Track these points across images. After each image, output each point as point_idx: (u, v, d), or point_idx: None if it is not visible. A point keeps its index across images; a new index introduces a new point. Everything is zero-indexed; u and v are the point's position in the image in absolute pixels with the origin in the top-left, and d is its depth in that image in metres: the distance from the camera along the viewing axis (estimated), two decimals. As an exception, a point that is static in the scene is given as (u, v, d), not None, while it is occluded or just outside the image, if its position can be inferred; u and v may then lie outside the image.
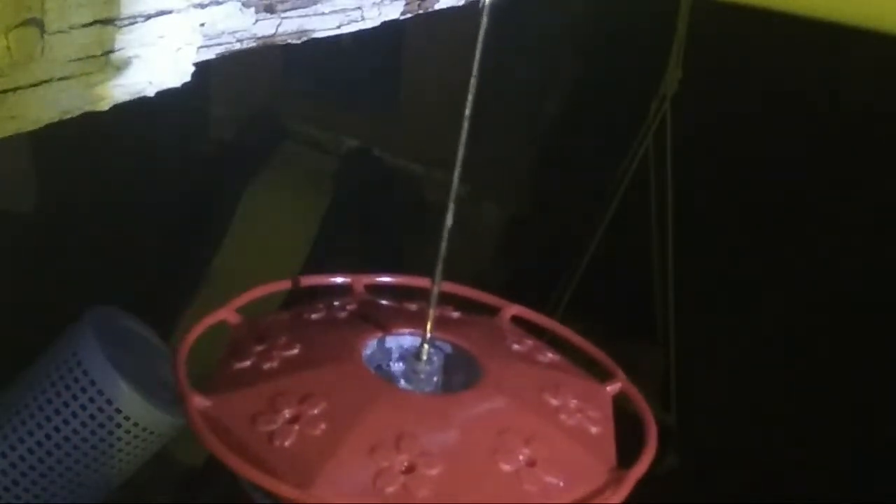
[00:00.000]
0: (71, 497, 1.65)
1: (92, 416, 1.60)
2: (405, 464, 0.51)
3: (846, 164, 2.23)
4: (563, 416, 0.59)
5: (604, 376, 0.67)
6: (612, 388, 0.66)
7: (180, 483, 2.09)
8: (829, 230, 2.27)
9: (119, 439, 1.62)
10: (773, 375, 2.34)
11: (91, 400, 1.59)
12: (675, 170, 2.21)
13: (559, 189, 2.64)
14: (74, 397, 1.59)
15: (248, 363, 0.59)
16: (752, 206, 2.37)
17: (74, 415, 1.60)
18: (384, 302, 0.69)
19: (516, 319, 0.73)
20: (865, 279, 2.25)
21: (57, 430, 1.60)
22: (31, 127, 0.53)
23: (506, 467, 0.53)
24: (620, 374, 0.66)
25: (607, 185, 2.32)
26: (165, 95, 0.61)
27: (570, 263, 2.38)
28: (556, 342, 0.71)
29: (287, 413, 0.54)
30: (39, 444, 1.61)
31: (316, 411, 0.54)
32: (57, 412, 1.60)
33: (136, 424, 1.62)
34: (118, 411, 1.60)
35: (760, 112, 2.28)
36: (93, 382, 1.59)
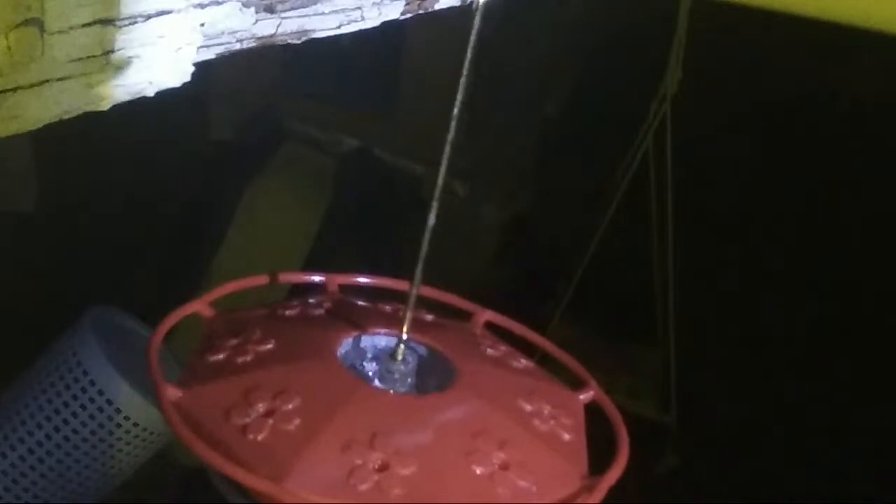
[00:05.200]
0: (71, 497, 1.64)
1: (92, 416, 1.59)
2: (379, 462, 0.51)
3: (846, 163, 2.23)
4: (536, 422, 0.59)
5: (577, 384, 0.67)
6: (584, 396, 0.66)
7: (180, 483, 2.09)
8: (830, 229, 2.27)
9: (119, 439, 1.62)
10: (773, 375, 2.34)
11: (91, 400, 1.59)
12: (675, 170, 2.21)
13: (559, 189, 2.64)
14: (74, 397, 1.59)
15: (221, 356, 0.59)
16: (751, 206, 2.37)
17: (74, 415, 1.59)
18: (360, 302, 0.69)
19: (489, 325, 0.73)
20: (866, 279, 2.25)
21: (57, 430, 1.60)
22: (31, 127, 0.53)
23: (479, 470, 0.53)
24: (593, 382, 0.66)
25: (607, 185, 2.32)
26: (165, 95, 0.61)
27: (570, 263, 2.38)
28: (533, 349, 0.71)
29: (261, 407, 0.54)
30: (39, 444, 1.61)
31: (290, 406, 0.54)
32: (57, 412, 1.60)
33: (136, 424, 1.62)
34: (118, 411, 1.60)
35: (760, 112, 2.28)
36: (93, 382, 1.59)
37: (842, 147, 2.23)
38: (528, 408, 0.60)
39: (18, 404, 1.63)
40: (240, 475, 0.49)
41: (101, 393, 1.59)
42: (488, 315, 0.73)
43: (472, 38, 0.57)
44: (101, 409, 1.59)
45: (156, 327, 0.62)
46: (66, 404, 1.60)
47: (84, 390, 1.59)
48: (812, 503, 2.09)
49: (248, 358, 0.58)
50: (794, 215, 2.33)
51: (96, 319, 1.67)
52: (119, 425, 1.61)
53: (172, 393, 0.55)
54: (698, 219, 2.33)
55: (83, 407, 1.59)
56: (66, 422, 1.60)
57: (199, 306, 0.65)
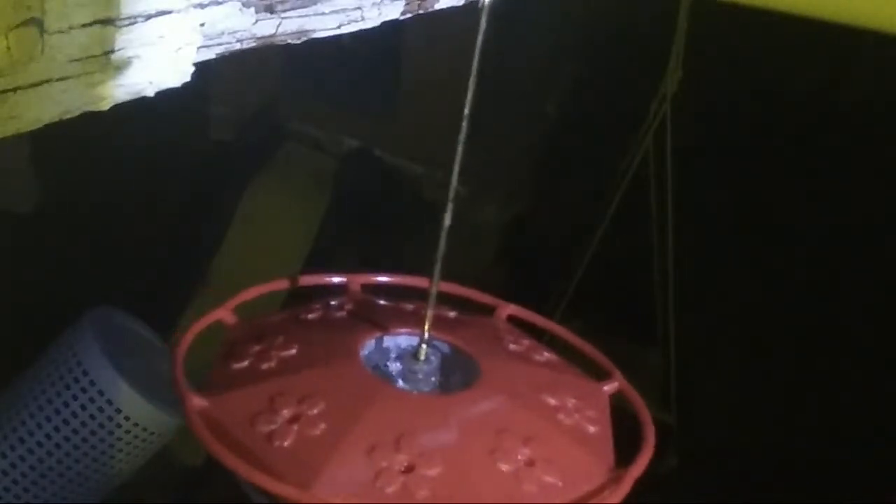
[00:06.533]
0: (71, 497, 1.64)
1: (92, 416, 1.59)
2: (405, 464, 0.51)
3: (846, 163, 2.23)
4: (561, 416, 0.59)
5: (600, 376, 0.67)
6: (609, 387, 0.66)
7: (180, 483, 2.09)
8: (829, 229, 2.27)
9: (119, 439, 1.62)
10: (773, 375, 2.34)
11: (91, 400, 1.59)
12: (675, 170, 2.21)
13: (559, 189, 2.64)
14: (74, 397, 1.59)
15: (245, 363, 0.59)
16: (751, 206, 2.37)
17: (74, 415, 1.59)
18: (381, 302, 0.69)
19: (512, 319, 0.73)
20: (866, 278, 2.25)
21: (57, 430, 1.60)
22: (31, 127, 0.53)
23: (505, 467, 0.53)
24: (618, 373, 0.66)
25: (607, 185, 2.32)
26: (165, 95, 0.61)
27: (570, 263, 2.38)
28: (554, 341, 0.71)
29: (286, 413, 0.54)
30: (39, 444, 1.61)
31: (315, 411, 0.54)
32: (57, 412, 1.60)
33: (136, 424, 1.62)
34: (118, 411, 1.60)
35: (760, 112, 2.28)
36: (93, 382, 1.59)
37: (842, 146, 2.22)
38: (553, 402, 0.60)
39: (18, 404, 1.63)
40: (267, 483, 0.49)
41: (101, 393, 1.59)
42: (511, 309, 0.73)
43: (479, 38, 0.57)
44: (101, 409, 1.59)
45: (176, 336, 0.62)
46: (66, 404, 1.59)
47: (84, 390, 1.59)
48: (812, 503, 2.09)
49: (272, 364, 0.59)
50: (795, 215, 2.33)
51: (96, 319, 1.67)
52: (119, 425, 1.61)
53: (197, 402, 0.55)
54: (698, 219, 2.33)
55: (83, 407, 1.59)
56: (66, 422, 1.60)
57: (222, 313, 0.65)
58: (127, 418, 1.61)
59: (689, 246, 2.28)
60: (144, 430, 1.63)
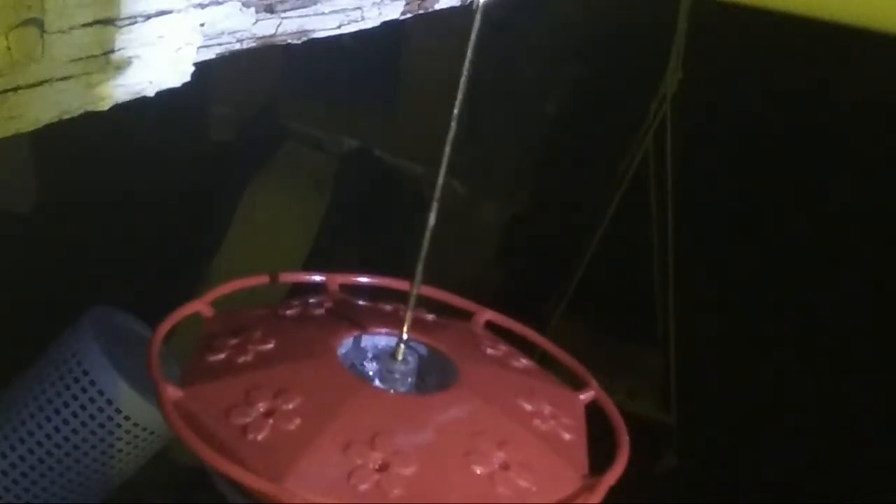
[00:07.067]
0: (71, 497, 1.64)
1: (92, 416, 1.59)
2: (379, 462, 0.51)
3: (845, 163, 2.23)
4: (536, 422, 0.59)
5: (578, 384, 0.67)
6: (585, 395, 0.66)
7: (180, 483, 2.09)
8: (829, 229, 2.27)
9: (119, 439, 1.62)
10: (773, 375, 2.34)
11: (91, 400, 1.59)
12: (675, 170, 2.21)
13: (559, 189, 2.64)
14: (74, 397, 1.59)
15: (222, 356, 0.59)
16: (752, 206, 2.37)
17: (74, 415, 1.59)
18: (360, 301, 0.69)
19: (490, 325, 0.73)
20: (866, 278, 2.25)
21: (57, 430, 1.60)
22: (31, 127, 0.53)
23: (479, 470, 0.53)
24: (594, 382, 0.66)
25: (607, 185, 2.32)
26: (165, 95, 0.61)
27: (570, 263, 2.38)
28: (533, 349, 0.71)
29: (261, 407, 0.54)
30: (39, 444, 1.61)
31: (290, 406, 0.54)
32: (57, 412, 1.60)
33: (136, 424, 1.62)
34: (118, 411, 1.60)
35: (760, 112, 2.28)
36: (93, 382, 1.59)
37: (842, 147, 2.23)
38: (529, 407, 0.60)
39: (18, 404, 1.63)
40: (239, 475, 0.49)
41: (101, 393, 1.59)
42: (489, 315, 0.73)
43: (473, 37, 0.57)
44: (101, 409, 1.59)
45: (156, 327, 0.62)
46: (66, 404, 1.60)
47: (84, 390, 1.59)
48: (812, 503, 2.09)
49: (249, 358, 0.58)
50: (795, 215, 2.33)
51: (96, 319, 1.67)
52: (119, 425, 1.61)
53: (172, 392, 0.55)
54: (698, 219, 2.33)
55: (83, 407, 1.59)
56: (66, 422, 1.60)
57: (200, 306, 0.65)
58: (127, 418, 1.61)
59: (689, 246, 2.28)
60: (144, 430, 1.63)
